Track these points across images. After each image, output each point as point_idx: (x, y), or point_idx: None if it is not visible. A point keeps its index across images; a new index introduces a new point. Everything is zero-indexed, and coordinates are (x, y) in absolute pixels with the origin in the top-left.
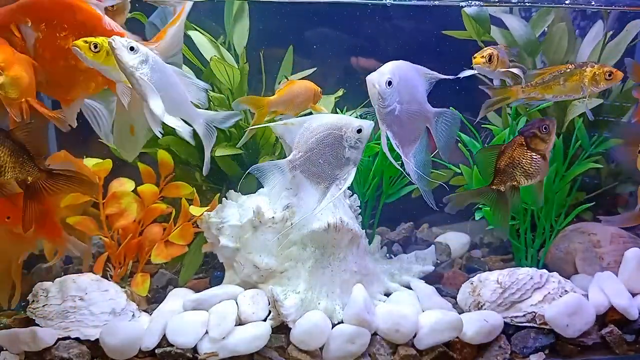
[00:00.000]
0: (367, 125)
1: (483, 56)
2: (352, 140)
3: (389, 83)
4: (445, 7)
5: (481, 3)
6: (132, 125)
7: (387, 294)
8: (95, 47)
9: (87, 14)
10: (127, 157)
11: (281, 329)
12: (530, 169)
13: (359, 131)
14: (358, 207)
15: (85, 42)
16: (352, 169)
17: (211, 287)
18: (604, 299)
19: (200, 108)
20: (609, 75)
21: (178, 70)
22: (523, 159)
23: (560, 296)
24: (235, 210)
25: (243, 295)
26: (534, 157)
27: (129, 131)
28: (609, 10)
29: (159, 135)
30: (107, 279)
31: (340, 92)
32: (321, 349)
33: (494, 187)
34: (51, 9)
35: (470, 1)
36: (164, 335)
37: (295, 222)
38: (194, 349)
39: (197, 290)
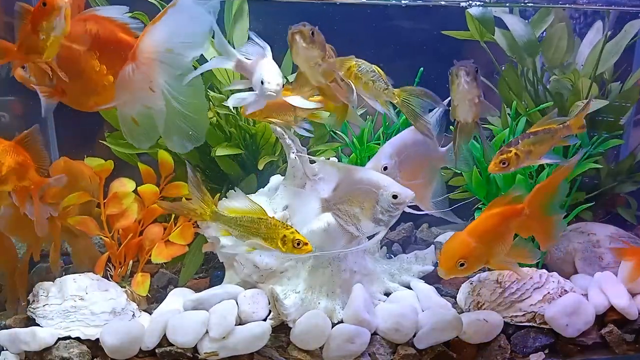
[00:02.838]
0: (405, 194)
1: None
2: (386, 204)
3: (385, 168)
4: (445, 7)
5: (480, 3)
6: (132, 117)
7: (387, 294)
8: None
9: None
10: (143, 146)
11: (281, 328)
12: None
13: (395, 197)
14: None
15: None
16: (382, 230)
17: (211, 286)
18: (604, 298)
19: None
20: None
21: None
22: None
23: (560, 296)
24: None
25: (243, 295)
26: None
27: (133, 123)
28: (608, 10)
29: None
30: (108, 278)
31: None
32: (321, 348)
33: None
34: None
35: (471, 2)
36: (164, 335)
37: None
38: (194, 349)
39: (198, 290)
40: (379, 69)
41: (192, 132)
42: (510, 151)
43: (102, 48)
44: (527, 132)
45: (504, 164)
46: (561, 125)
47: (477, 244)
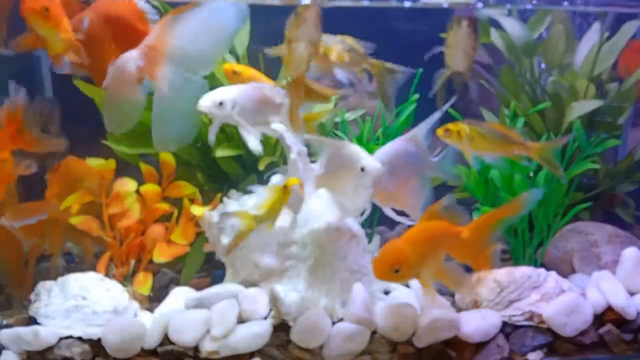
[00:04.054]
0: (372, 166)
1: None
2: (358, 177)
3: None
4: (441, 10)
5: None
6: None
7: (387, 293)
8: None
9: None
10: (118, 131)
11: (282, 327)
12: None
13: (362, 169)
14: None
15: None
16: (364, 205)
17: (212, 285)
18: (602, 298)
19: None
20: None
21: None
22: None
23: (558, 295)
24: (236, 209)
25: (244, 293)
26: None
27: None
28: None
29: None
30: (110, 277)
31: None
32: (321, 347)
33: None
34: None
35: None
36: (166, 334)
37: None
38: (196, 348)
39: (199, 289)
40: (349, 39)
41: (181, 133)
42: (458, 125)
43: (115, 31)
44: (488, 123)
45: (446, 132)
46: (521, 142)
47: (411, 253)
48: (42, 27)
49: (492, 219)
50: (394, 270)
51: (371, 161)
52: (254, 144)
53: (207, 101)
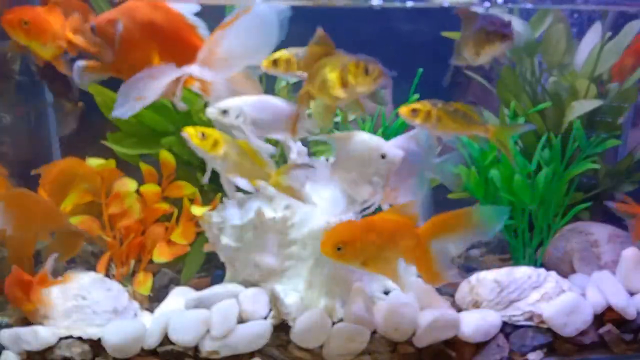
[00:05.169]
0: (394, 154)
1: (269, 60)
2: (376, 165)
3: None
4: (445, 9)
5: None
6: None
7: (387, 293)
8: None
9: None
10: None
11: (282, 327)
12: (323, 83)
13: (383, 157)
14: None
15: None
16: (378, 194)
17: (212, 285)
18: (602, 298)
19: None
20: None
21: None
22: (330, 71)
23: (558, 295)
24: (237, 210)
25: (244, 293)
26: (336, 79)
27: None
28: (607, 11)
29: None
30: (110, 278)
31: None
32: (321, 347)
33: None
34: (146, 15)
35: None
36: (166, 334)
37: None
38: (196, 348)
39: (199, 289)
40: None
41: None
42: (427, 107)
43: (163, 42)
44: (452, 103)
45: (414, 112)
46: (481, 123)
47: (360, 236)
48: (23, 39)
49: (447, 221)
50: (337, 247)
51: (392, 148)
52: (263, 148)
53: (212, 108)
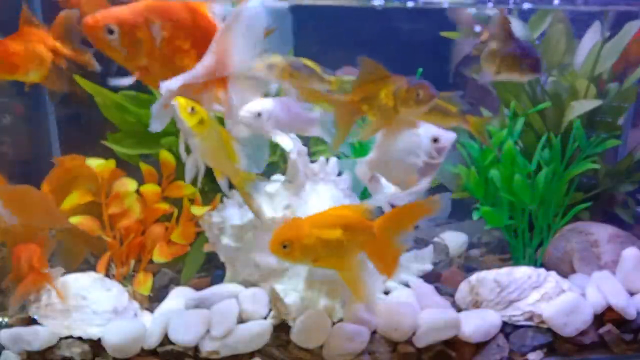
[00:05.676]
0: (446, 137)
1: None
2: (427, 150)
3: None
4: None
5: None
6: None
7: (386, 293)
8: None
9: (206, 20)
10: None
11: (282, 327)
12: (377, 106)
13: (435, 140)
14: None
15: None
16: (427, 179)
17: (212, 285)
18: (602, 298)
19: None
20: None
21: None
22: (383, 95)
23: (558, 295)
24: (237, 210)
25: (244, 293)
26: (390, 102)
27: None
28: (607, 11)
29: None
30: (110, 278)
31: None
32: (321, 347)
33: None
34: (176, 12)
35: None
36: (166, 334)
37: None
38: (196, 348)
39: (199, 289)
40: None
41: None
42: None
43: (197, 42)
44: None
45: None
46: (459, 115)
47: (308, 233)
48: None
49: (402, 214)
50: (283, 245)
51: (442, 130)
52: (288, 143)
53: (246, 112)
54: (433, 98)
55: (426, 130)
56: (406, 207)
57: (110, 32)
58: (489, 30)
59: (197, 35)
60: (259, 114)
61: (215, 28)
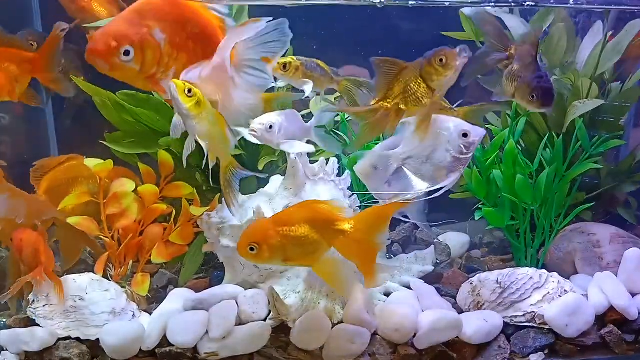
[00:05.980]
0: (476, 132)
1: (279, 63)
2: (457, 145)
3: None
4: (445, 9)
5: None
6: None
7: (387, 294)
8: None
9: (206, 21)
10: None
11: (281, 328)
12: (412, 97)
13: (465, 135)
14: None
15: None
16: (456, 174)
17: (211, 287)
18: (604, 299)
19: None
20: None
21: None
22: (412, 83)
23: (560, 296)
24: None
25: (243, 295)
26: (421, 86)
27: None
28: (609, 10)
29: None
30: (108, 278)
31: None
32: (321, 348)
33: (381, 103)
34: (164, 9)
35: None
36: (164, 335)
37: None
38: (194, 349)
39: (198, 290)
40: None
41: None
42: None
43: (199, 42)
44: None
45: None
46: (450, 108)
47: (274, 233)
48: None
49: (376, 212)
50: (250, 248)
51: (472, 126)
52: (305, 148)
53: (258, 125)
54: (456, 56)
55: (456, 126)
56: (382, 206)
57: (127, 53)
58: (517, 49)
59: (190, 27)
60: (271, 127)
61: (202, 17)
